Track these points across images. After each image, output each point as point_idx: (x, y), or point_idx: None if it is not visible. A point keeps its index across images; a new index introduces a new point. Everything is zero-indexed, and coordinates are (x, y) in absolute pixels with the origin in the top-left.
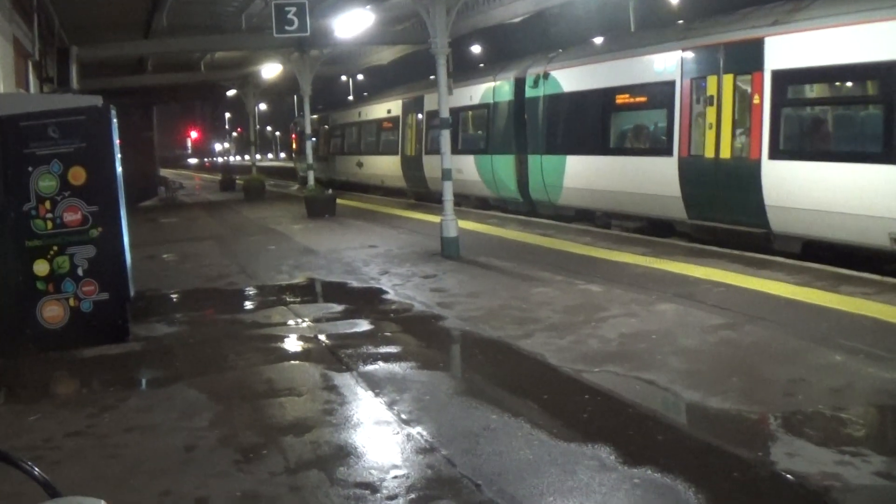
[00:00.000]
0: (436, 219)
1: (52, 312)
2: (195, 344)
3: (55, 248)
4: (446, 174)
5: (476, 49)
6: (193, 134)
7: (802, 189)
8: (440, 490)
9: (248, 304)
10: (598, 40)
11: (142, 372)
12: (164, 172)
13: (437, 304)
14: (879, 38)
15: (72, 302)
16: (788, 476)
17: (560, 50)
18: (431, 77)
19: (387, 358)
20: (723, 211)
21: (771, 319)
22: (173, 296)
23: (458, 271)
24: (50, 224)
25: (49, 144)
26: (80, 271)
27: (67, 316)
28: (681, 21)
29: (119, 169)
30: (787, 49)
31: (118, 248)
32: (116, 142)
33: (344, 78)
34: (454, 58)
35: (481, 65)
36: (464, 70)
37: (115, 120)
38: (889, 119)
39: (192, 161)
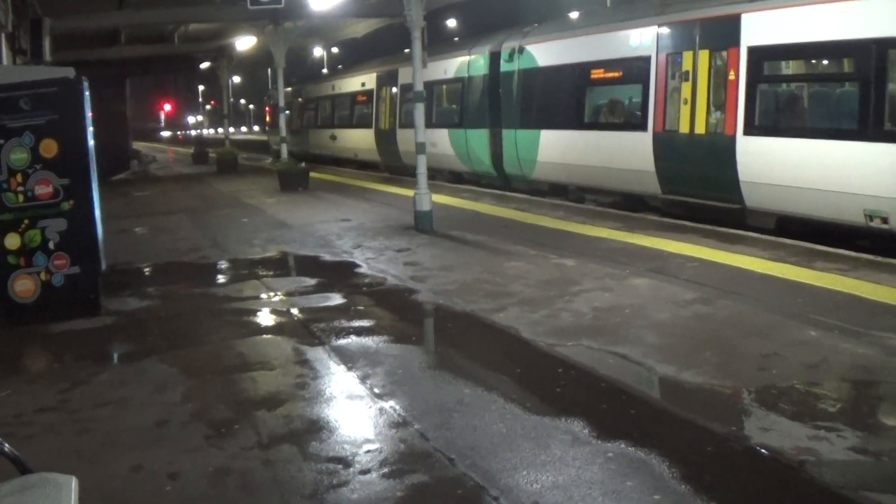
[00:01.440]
0: (409, 192)
1: (24, 286)
2: (167, 318)
3: (26, 221)
4: (420, 148)
5: (452, 23)
6: (167, 107)
7: (777, 165)
8: (413, 464)
9: (221, 278)
10: (575, 15)
11: (114, 346)
12: (138, 145)
13: (411, 278)
14: (856, 15)
15: (43, 276)
16: (762, 450)
17: (535, 24)
18: (406, 50)
19: (360, 332)
20: (697, 186)
21: (745, 294)
22: (145, 269)
23: (431, 245)
24: (21, 197)
25: (21, 117)
26: (51, 245)
27: (39, 290)
28: None
29: (91, 141)
30: (764, 25)
31: (90, 222)
32: (89, 114)
33: (319, 51)
34: (429, 31)
35: (456, 38)
36: (439, 44)
37: (87, 92)
38: (865, 96)
39: (166, 134)
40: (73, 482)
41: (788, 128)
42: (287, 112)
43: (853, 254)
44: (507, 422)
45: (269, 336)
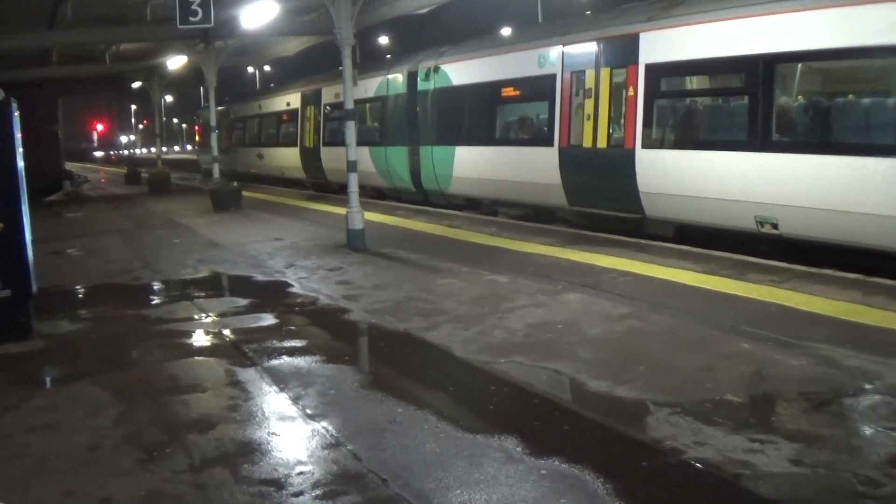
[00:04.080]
0: (342, 210)
1: None
2: (99, 341)
3: None
4: (352, 166)
5: (384, 40)
6: (99, 127)
7: (674, 176)
8: (346, 485)
9: (153, 300)
10: (491, 35)
11: (45, 370)
12: (70, 166)
13: (343, 297)
14: (745, 32)
15: None
16: (697, 464)
17: (449, 45)
18: (340, 68)
19: (292, 352)
20: (600, 198)
21: (678, 308)
22: (77, 292)
23: (364, 263)
24: None
25: None
26: None
27: None
28: (589, 13)
29: (21, 163)
30: (660, 44)
31: (20, 244)
32: (18, 135)
33: (251, 69)
34: (362, 48)
35: (388, 56)
36: (362, 63)
37: (16, 113)
38: (753, 109)
39: (99, 154)
40: None
41: (683, 140)
42: (216, 131)
43: (785, 265)
44: (440, 441)
45: (201, 358)
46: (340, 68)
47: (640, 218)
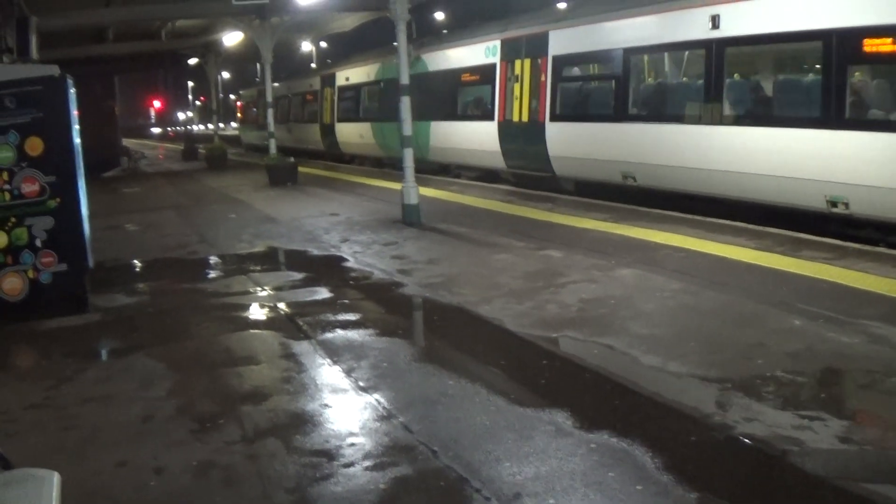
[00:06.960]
0: (397, 186)
1: (12, 284)
2: (154, 314)
3: (13, 219)
4: (406, 141)
5: (440, 16)
6: (156, 103)
7: (570, 143)
8: (397, 457)
9: (209, 274)
10: (462, 29)
11: (101, 343)
12: (128, 142)
13: (397, 272)
14: (609, 32)
15: (31, 274)
16: (746, 440)
17: (430, 37)
18: (382, 47)
19: (346, 325)
20: (525, 161)
21: (731, 284)
22: (134, 266)
23: (418, 238)
24: (7, 195)
25: (6, 115)
26: (38, 242)
27: (27, 288)
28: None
29: (77, 139)
30: (561, 40)
31: (76, 219)
32: (74, 112)
33: (308, 46)
34: (417, 25)
35: (445, 31)
36: (365, 51)
37: (72, 90)
38: (617, 88)
39: (156, 131)
40: (56, 477)
41: (575, 114)
42: (254, 109)
43: (839, 242)
44: (491, 413)
45: (255, 331)
46: (396, 44)
47: (552, 176)
